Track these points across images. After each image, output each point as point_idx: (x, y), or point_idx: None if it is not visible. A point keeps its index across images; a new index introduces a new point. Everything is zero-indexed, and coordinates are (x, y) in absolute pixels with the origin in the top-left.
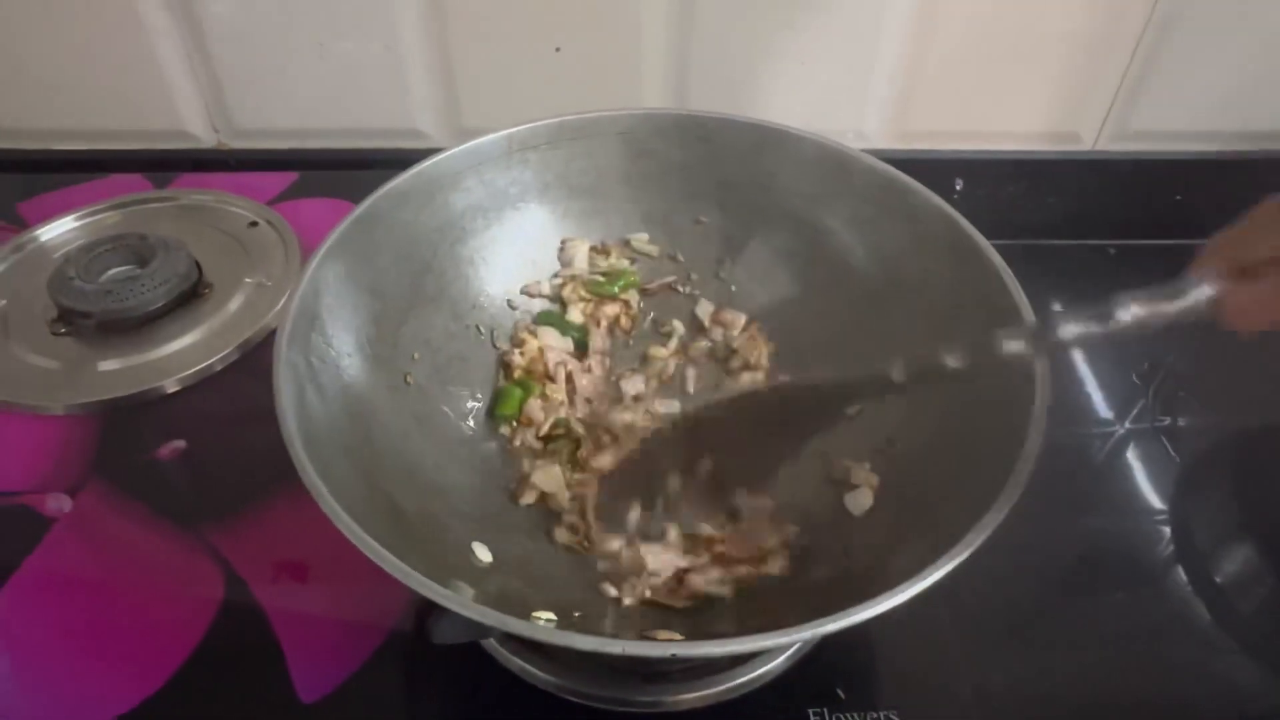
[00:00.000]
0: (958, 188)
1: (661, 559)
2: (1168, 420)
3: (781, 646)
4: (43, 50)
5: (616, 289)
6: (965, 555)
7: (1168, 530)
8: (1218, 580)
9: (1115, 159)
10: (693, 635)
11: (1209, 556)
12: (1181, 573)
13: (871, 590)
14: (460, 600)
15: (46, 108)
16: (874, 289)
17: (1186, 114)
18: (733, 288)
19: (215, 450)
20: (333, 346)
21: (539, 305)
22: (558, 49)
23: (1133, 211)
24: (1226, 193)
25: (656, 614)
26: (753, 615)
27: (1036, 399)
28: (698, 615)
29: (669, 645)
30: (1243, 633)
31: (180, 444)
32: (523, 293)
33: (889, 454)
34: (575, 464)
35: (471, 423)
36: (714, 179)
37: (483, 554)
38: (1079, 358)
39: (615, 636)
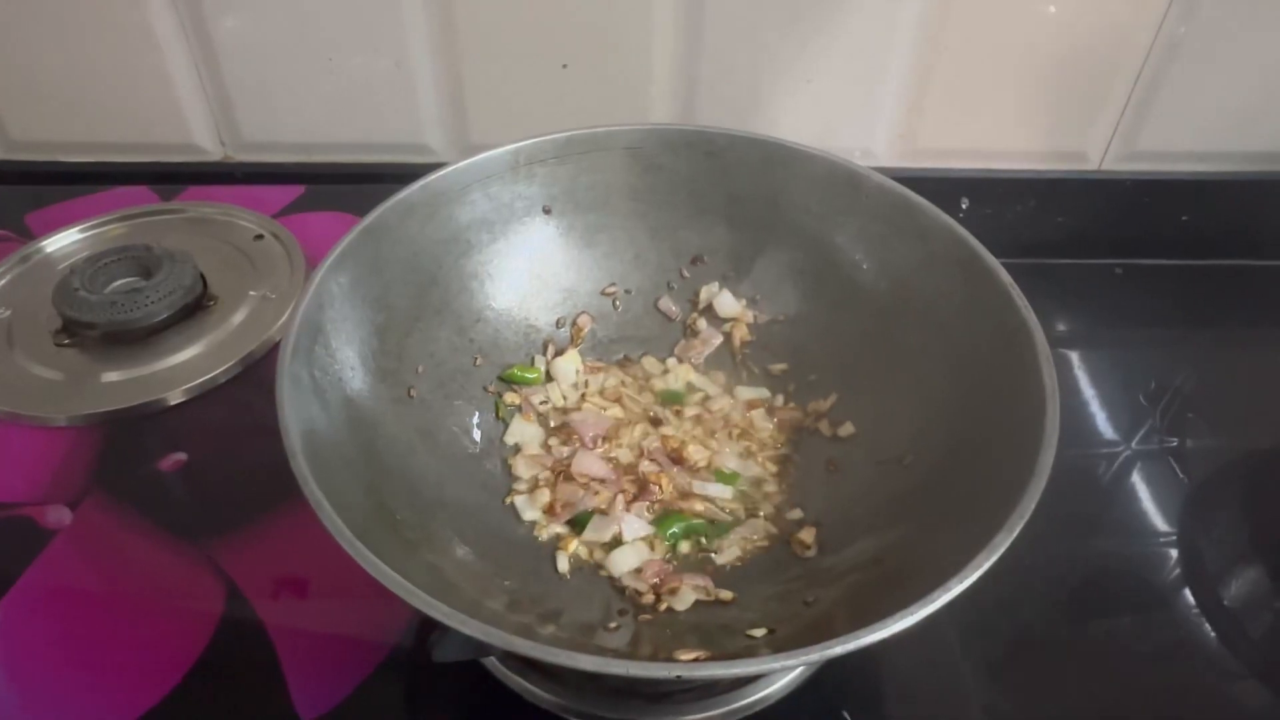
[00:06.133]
0: (964, 206)
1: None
2: (1175, 441)
3: (789, 668)
4: (52, 63)
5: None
6: (975, 577)
7: (1176, 552)
8: (1227, 603)
9: (1121, 179)
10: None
11: (1218, 579)
12: (1190, 595)
13: (880, 609)
14: (462, 618)
15: (55, 120)
16: (883, 307)
17: (1192, 135)
18: (739, 301)
19: (217, 463)
20: (336, 359)
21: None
22: (565, 66)
23: (1139, 231)
24: (1232, 213)
25: (666, 634)
26: (761, 625)
27: (1047, 417)
28: (709, 639)
29: (674, 666)
30: (1252, 656)
31: (182, 456)
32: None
33: (902, 469)
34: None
35: (477, 438)
36: (722, 195)
37: (484, 571)
38: (1086, 377)
39: (625, 656)
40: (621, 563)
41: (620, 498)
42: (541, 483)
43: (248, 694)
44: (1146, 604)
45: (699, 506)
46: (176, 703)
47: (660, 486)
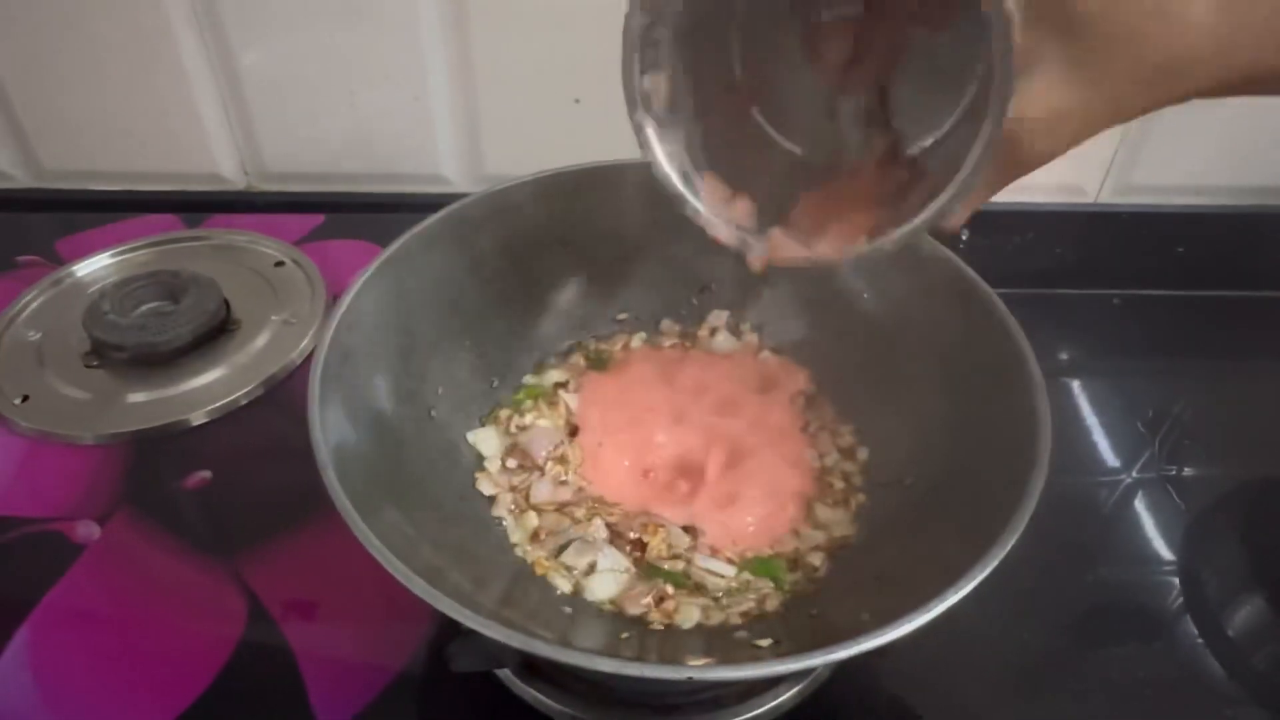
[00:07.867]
0: (963, 237)
1: None
2: (1174, 470)
3: (788, 683)
4: (85, 95)
5: None
6: (970, 588)
7: (1177, 581)
8: (1229, 633)
9: (1118, 211)
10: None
11: (1220, 608)
12: (1191, 624)
13: (882, 620)
14: (487, 622)
15: (85, 150)
16: (885, 335)
17: (1186, 169)
18: (744, 327)
19: (239, 482)
20: (363, 379)
21: None
22: (577, 100)
23: (1136, 262)
24: (1226, 245)
25: (674, 645)
26: (767, 637)
27: (1039, 440)
28: (716, 650)
29: (685, 668)
30: (1256, 685)
31: (206, 475)
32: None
33: (903, 490)
34: None
35: None
36: None
37: (498, 582)
38: (1085, 406)
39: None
40: (599, 590)
41: (599, 522)
42: (515, 508)
43: (269, 706)
44: (1148, 633)
45: (681, 567)
46: (201, 712)
47: (650, 546)
